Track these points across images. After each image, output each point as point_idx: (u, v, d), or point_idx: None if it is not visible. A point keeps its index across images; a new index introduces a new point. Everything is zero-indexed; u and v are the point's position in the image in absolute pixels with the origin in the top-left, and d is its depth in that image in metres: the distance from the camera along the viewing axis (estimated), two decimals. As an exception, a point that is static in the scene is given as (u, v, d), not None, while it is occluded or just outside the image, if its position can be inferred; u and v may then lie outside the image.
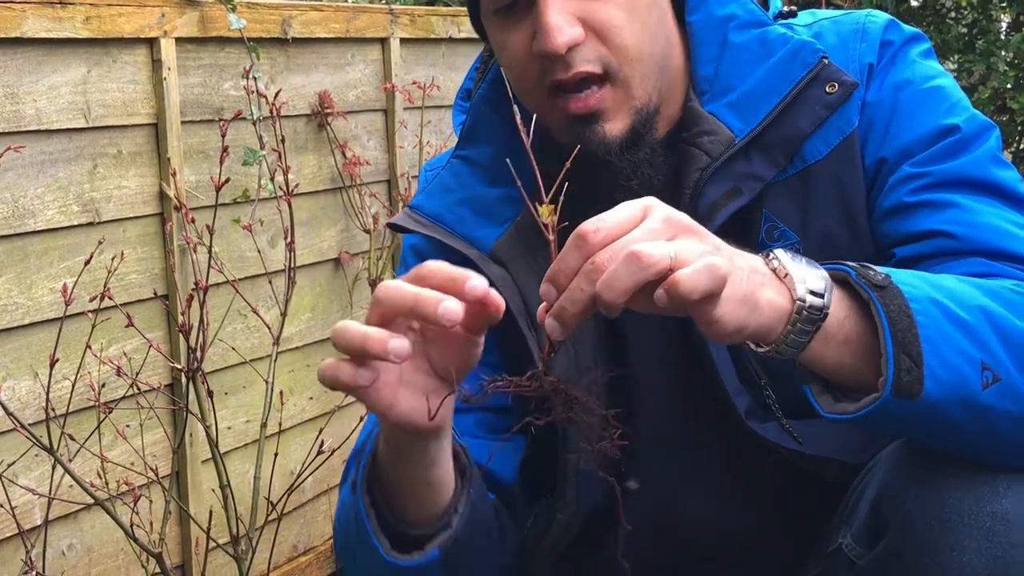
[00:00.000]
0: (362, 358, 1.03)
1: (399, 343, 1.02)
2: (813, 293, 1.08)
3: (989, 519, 1.12)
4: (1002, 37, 6.19)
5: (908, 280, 1.12)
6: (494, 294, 1.03)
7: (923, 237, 1.29)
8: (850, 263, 1.13)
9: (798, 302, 1.08)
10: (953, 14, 6.51)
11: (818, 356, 1.11)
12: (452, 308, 1.01)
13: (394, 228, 1.44)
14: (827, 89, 1.32)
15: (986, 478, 1.14)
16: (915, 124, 1.33)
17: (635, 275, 0.99)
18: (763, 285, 1.07)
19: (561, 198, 1.07)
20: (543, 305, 1.06)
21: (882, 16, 1.40)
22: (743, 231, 1.33)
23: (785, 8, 1.43)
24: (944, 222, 1.28)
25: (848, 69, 1.34)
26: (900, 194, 1.32)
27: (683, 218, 1.05)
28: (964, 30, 6.32)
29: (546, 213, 1.05)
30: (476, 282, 1.02)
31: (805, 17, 1.42)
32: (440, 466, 1.17)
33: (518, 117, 1.14)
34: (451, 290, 1.02)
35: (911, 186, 1.31)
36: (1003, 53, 5.94)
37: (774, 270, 1.09)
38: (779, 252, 1.11)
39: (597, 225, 1.02)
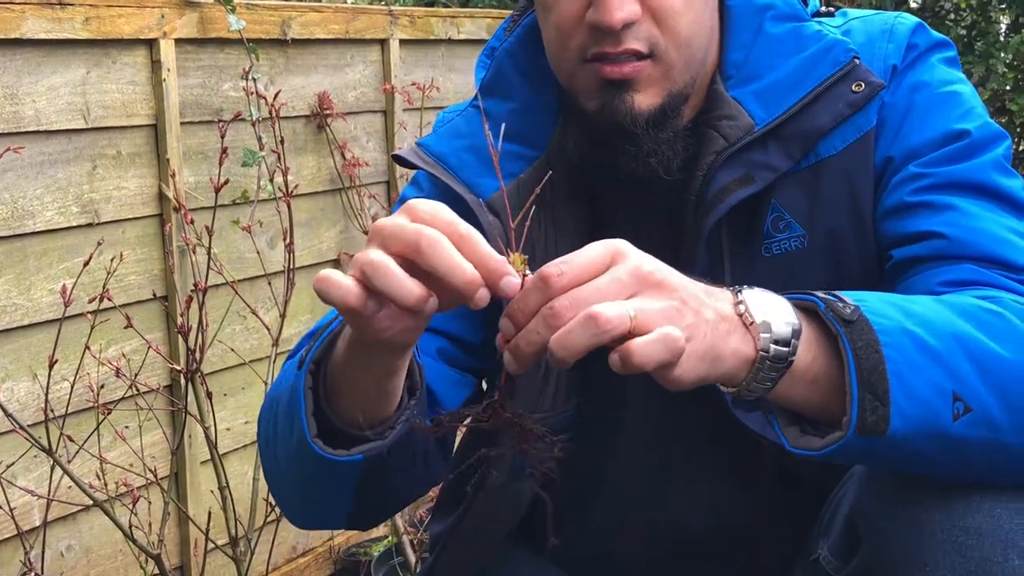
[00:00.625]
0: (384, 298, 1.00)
1: (434, 303, 1.00)
2: (778, 342, 1.07)
3: (962, 534, 1.11)
4: (1001, 39, 6.19)
5: (879, 309, 1.10)
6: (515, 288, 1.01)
7: (920, 238, 1.29)
8: (819, 293, 1.11)
9: (761, 352, 1.07)
10: (952, 16, 6.52)
11: (784, 396, 1.10)
12: (485, 298, 0.99)
13: (397, 160, 1.43)
14: (853, 88, 1.31)
15: (959, 493, 1.13)
16: (926, 126, 1.33)
17: (591, 337, 0.98)
18: (728, 334, 1.06)
19: (527, 224, 1.06)
20: (500, 336, 1.04)
21: (911, 19, 1.40)
22: (750, 218, 1.33)
23: (823, 8, 1.43)
24: (941, 224, 1.27)
25: (873, 68, 1.34)
26: (902, 193, 1.31)
27: (651, 268, 1.03)
28: (963, 32, 6.33)
29: (518, 262, 1.01)
30: (513, 280, 1.00)
31: (837, 18, 1.42)
32: (396, 378, 1.14)
33: (486, 126, 1.14)
34: (484, 273, 0.99)
35: (913, 186, 1.31)
36: (1002, 55, 5.95)
37: (740, 315, 1.07)
38: (747, 295, 1.09)
39: (561, 268, 1.00)
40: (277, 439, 1.25)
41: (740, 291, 1.09)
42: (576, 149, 1.36)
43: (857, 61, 1.32)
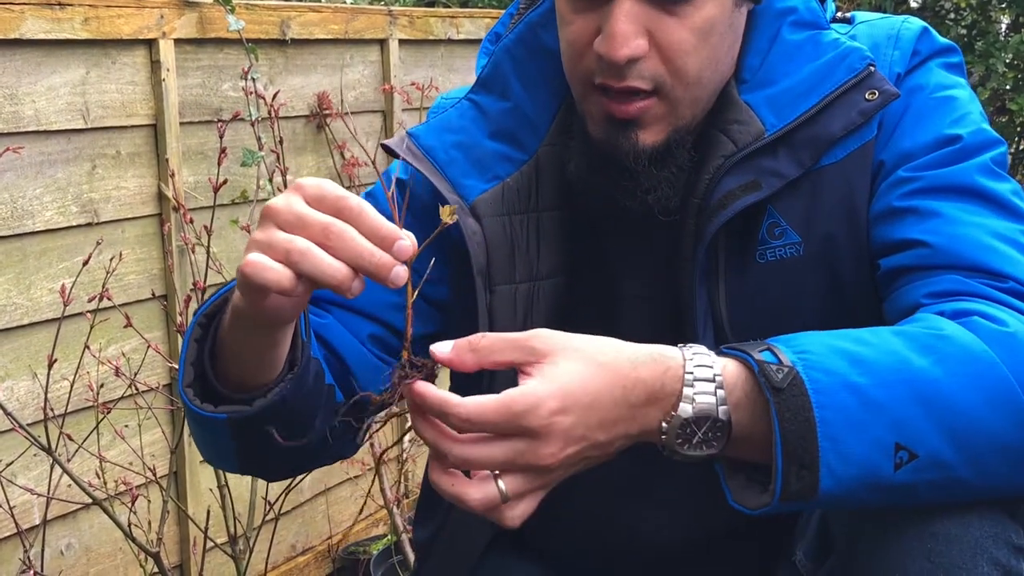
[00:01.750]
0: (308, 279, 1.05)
1: (359, 285, 1.05)
2: (689, 458, 1.10)
3: (932, 540, 1.10)
4: (1001, 38, 6.20)
5: (822, 363, 1.08)
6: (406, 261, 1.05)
7: (904, 247, 1.27)
8: (756, 353, 1.09)
9: (663, 428, 1.09)
10: (952, 15, 6.52)
11: (739, 453, 1.11)
12: (401, 276, 1.04)
13: (386, 149, 1.43)
14: (867, 96, 1.29)
15: None
16: (918, 131, 1.31)
17: (454, 501, 1.07)
18: (637, 437, 1.10)
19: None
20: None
21: (916, 24, 1.38)
22: (746, 223, 1.32)
23: (839, 14, 1.41)
24: (924, 232, 1.26)
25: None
26: (891, 198, 1.30)
27: (550, 461, 1.06)
28: (963, 31, 6.33)
29: (446, 213, 1.08)
30: (404, 243, 1.04)
31: (850, 25, 1.40)
32: (275, 350, 1.18)
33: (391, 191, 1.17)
34: (376, 241, 1.04)
35: (901, 191, 1.29)
36: (1002, 54, 5.95)
37: (663, 434, 1.09)
38: (683, 406, 1.08)
39: (469, 413, 1.03)
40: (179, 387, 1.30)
41: (680, 399, 1.09)
42: (577, 172, 1.34)
43: (872, 69, 1.30)
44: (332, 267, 1.03)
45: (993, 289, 1.20)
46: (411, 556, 2.98)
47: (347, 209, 1.04)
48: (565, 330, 1.37)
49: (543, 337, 1.07)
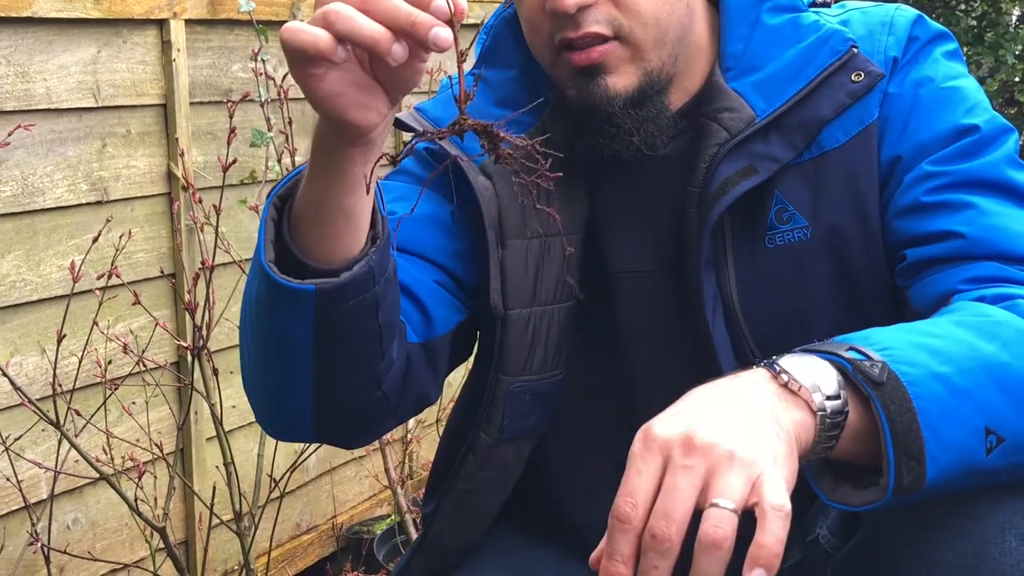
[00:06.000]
0: (343, 43, 1.00)
1: (400, 49, 1.00)
2: (830, 398, 1.06)
3: (962, 516, 1.11)
4: (1011, 30, 6.20)
5: (906, 357, 1.08)
6: (462, 4, 1.00)
7: (938, 238, 1.28)
8: (844, 352, 1.08)
9: (820, 413, 1.05)
10: (963, 6, 6.51)
11: (835, 452, 1.09)
12: (442, 36, 0.99)
13: (398, 124, 1.42)
14: (853, 77, 1.31)
15: None
16: (934, 122, 1.32)
17: (721, 559, 0.97)
18: (793, 437, 1.04)
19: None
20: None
21: (910, 12, 1.40)
22: (753, 210, 1.33)
23: None
24: (959, 224, 1.27)
25: (873, 60, 1.33)
26: (917, 193, 1.30)
27: (701, 435, 0.99)
28: (973, 22, 6.33)
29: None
30: (442, 4, 0.99)
31: (834, 8, 1.42)
32: (357, 194, 1.14)
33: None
34: (417, 5, 0.99)
35: (928, 185, 1.30)
36: (1012, 46, 5.95)
37: (784, 384, 1.05)
38: (785, 363, 1.07)
39: (630, 500, 0.98)
40: (248, 303, 1.24)
41: (775, 364, 1.07)
42: (564, 138, 1.35)
43: (855, 50, 1.32)
44: (368, 26, 0.99)
45: None
46: (415, 536, 3.01)
47: None
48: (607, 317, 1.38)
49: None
